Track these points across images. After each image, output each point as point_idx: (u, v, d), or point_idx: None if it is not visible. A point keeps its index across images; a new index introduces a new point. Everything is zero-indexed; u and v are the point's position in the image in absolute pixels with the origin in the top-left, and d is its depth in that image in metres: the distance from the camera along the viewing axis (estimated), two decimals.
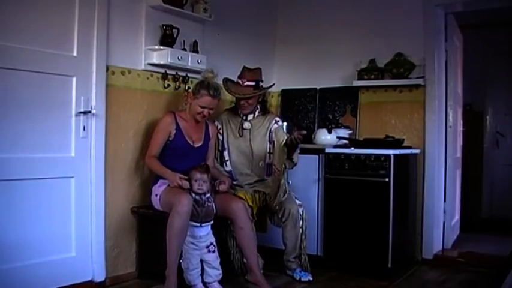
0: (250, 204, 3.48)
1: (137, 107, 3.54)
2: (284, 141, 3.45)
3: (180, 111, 3.52)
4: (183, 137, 3.40)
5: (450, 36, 4.31)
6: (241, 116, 3.73)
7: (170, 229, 3.03)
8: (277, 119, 3.78)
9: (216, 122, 3.74)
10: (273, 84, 3.89)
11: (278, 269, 3.71)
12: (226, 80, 3.71)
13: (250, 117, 3.73)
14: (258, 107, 3.76)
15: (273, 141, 3.69)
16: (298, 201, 3.63)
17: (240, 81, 3.67)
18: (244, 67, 3.73)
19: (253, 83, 3.63)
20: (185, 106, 3.50)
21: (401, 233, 3.85)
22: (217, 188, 3.34)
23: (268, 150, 3.70)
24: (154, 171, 3.37)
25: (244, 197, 3.46)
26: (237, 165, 3.71)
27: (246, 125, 3.71)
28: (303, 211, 3.61)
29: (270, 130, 3.71)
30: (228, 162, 3.71)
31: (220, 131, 3.73)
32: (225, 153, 3.72)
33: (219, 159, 3.73)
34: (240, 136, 3.70)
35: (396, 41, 4.24)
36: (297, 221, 3.58)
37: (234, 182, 3.64)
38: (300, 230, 3.60)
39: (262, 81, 3.71)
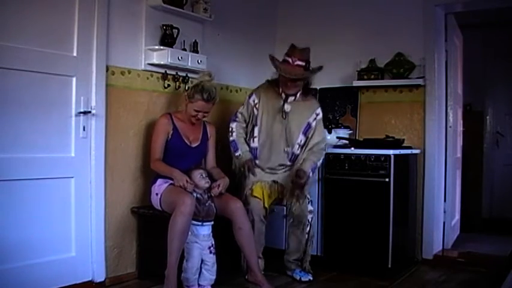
0: (266, 205, 3.49)
1: (137, 107, 3.54)
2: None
3: (176, 112, 3.53)
4: (180, 137, 3.41)
5: (450, 36, 4.31)
6: (283, 96, 3.54)
7: (172, 229, 3.03)
8: (318, 111, 3.63)
9: (254, 96, 3.63)
10: (322, 67, 3.53)
11: (278, 269, 3.71)
12: (273, 58, 3.51)
13: (291, 98, 3.54)
14: (301, 89, 3.57)
15: (307, 137, 3.59)
16: (310, 207, 3.60)
17: (289, 59, 3.43)
18: (292, 45, 3.50)
19: (303, 63, 3.42)
20: (184, 107, 3.50)
21: (401, 233, 3.85)
22: (211, 193, 3.30)
23: (299, 140, 3.58)
24: (162, 173, 3.34)
25: (261, 196, 3.47)
26: (264, 143, 3.59)
27: (287, 107, 3.52)
28: (311, 218, 3.61)
29: (309, 123, 3.59)
30: (255, 139, 3.60)
31: (256, 106, 3.60)
32: (256, 129, 3.60)
33: (248, 134, 3.64)
34: (284, 118, 3.53)
35: (396, 41, 4.24)
36: (305, 227, 3.58)
37: (256, 161, 3.60)
38: (306, 235, 3.60)
39: (310, 61, 3.48)
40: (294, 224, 3.62)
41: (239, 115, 3.67)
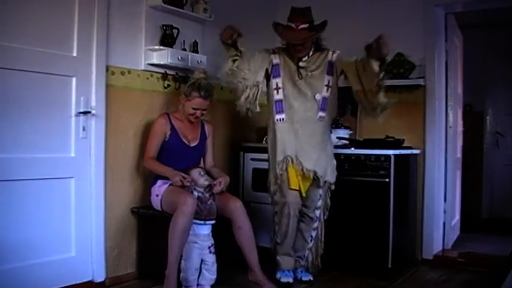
0: (303, 194, 3.40)
1: (137, 107, 3.54)
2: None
3: (174, 112, 3.53)
4: (178, 137, 3.41)
5: (450, 36, 4.31)
6: (297, 59, 3.43)
7: (174, 228, 3.03)
8: (333, 50, 3.49)
9: (272, 49, 3.52)
10: (326, 21, 3.41)
11: None
12: (276, 25, 3.42)
13: (304, 58, 3.44)
14: (312, 46, 3.46)
15: (334, 73, 3.43)
16: (319, 202, 3.51)
17: (292, 25, 3.34)
18: (292, 8, 3.40)
19: (306, 25, 3.33)
20: (181, 107, 3.50)
21: (401, 233, 3.85)
22: (213, 191, 3.31)
23: (326, 82, 3.42)
24: (154, 171, 3.37)
25: (297, 186, 3.35)
26: (289, 94, 3.41)
27: (302, 64, 3.41)
28: (320, 213, 3.55)
29: (330, 61, 3.44)
30: (280, 90, 3.43)
31: (275, 55, 3.48)
32: (278, 80, 3.44)
33: (270, 87, 3.47)
34: (300, 79, 3.40)
35: (396, 41, 4.21)
36: (312, 221, 3.53)
37: (280, 116, 3.44)
38: (314, 232, 3.56)
39: (313, 20, 3.39)
40: (300, 219, 3.51)
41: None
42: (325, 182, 3.45)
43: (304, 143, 3.41)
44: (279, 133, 3.43)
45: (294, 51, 3.41)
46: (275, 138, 3.45)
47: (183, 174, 3.22)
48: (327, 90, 3.42)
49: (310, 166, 3.38)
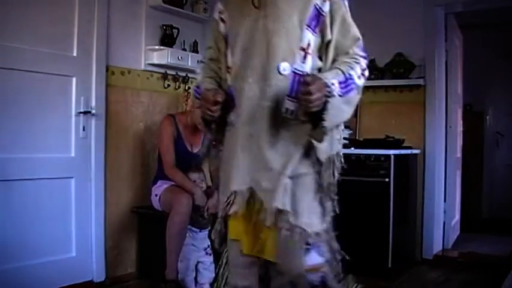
0: (244, 251, 1.84)
1: (137, 107, 3.54)
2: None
3: (178, 113, 3.51)
4: (182, 143, 3.39)
5: (450, 36, 4.31)
6: None
7: (170, 229, 3.03)
8: None
9: (217, 4, 1.85)
10: None
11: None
12: None
13: None
14: None
15: (323, 35, 1.73)
16: (317, 259, 1.85)
17: None
18: None
19: None
20: (185, 107, 3.50)
21: (401, 233, 3.84)
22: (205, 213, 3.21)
23: (303, 43, 1.70)
24: (177, 183, 3.24)
25: (240, 235, 1.84)
26: (240, 71, 1.74)
27: None
28: (321, 277, 1.87)
29: (317, 8, 1.70)
30: (231, 70, 1.79)
31: (223, 17, 1.82)
32: (228, 52, 1.80)
33: (223, 68, 1.85)
34: (256, 7, 1.71)
35: (396, 41, 4.24)
36: None
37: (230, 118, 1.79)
38: None
39: None
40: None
41: (206, 51, 1.97)
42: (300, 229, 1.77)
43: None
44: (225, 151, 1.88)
45: None
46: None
47: (209, 199, 3.19)
48: (304, 58, 1.71)
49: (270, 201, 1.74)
